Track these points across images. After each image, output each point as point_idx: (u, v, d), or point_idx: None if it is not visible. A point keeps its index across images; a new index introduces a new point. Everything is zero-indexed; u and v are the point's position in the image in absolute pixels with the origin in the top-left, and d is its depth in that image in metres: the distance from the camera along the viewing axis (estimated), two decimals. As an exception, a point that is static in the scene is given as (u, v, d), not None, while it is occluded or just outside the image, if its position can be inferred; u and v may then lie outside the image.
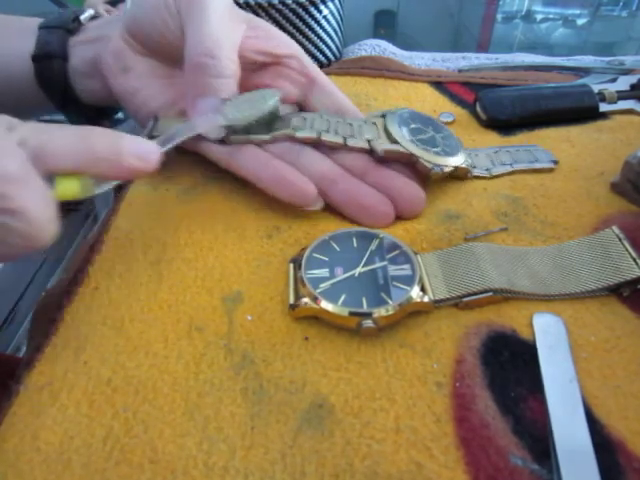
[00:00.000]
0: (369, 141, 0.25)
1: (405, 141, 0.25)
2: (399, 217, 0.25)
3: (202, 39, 0.24)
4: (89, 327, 0.20)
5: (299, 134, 0.25)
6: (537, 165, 0.28)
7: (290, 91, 0.29)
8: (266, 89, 0.26)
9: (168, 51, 0.26)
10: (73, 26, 0.29)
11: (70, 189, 0.19)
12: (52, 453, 0.16)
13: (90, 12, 0.30)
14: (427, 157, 0.25)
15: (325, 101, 0.28)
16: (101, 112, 0.32)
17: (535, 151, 0.29)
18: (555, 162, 0.29)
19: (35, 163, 0.18)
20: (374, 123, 0.26)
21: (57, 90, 0.29)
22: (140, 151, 0.20)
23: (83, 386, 0.18)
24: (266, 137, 0.25)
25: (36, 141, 0.18)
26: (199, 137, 0.25)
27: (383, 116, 0.27)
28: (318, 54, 0.43)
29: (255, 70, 0.28)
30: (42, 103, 0.30)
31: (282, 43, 0.28)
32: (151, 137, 0.26)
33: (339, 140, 0.25)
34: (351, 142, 0.25)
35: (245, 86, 0.27)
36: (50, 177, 0.18)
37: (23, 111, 0.33)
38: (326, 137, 0.25)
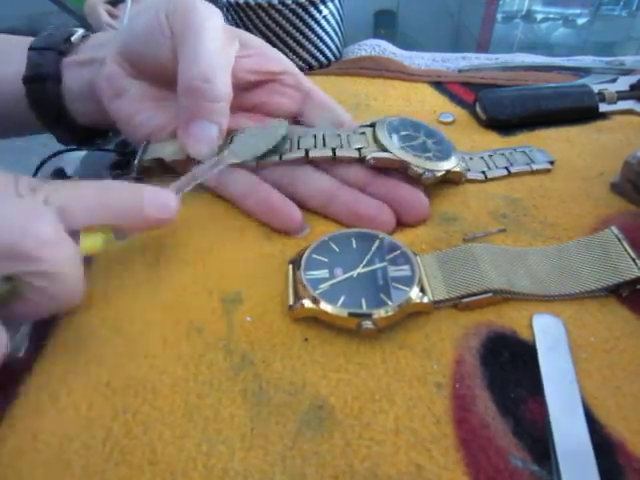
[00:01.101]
0: (359, 150, 0.25)
1: (395, 148, 0.25)
2: (403, 224, 0.25)
3: (196, 62, 0.24)
4: (88, 328, 0.20)
5: (285, 157, 0.25)
6: (534, 166, 0.28)
7: (287, 107, 0.29)
8: (274, 121, 0.27)
9: (160, 73, 0.26)
10: (65, 47, 0.28)
11: (94, 244, 0.19)
12: (52, 454, 0.16)
13: (80, 32, 0.29)
14: (417, 163, 0.25)
15: (321, 114, 0.29)
16: (93, 132, 0.32)
17: (530, 152, 0.29)
18: (552, 162, 0.28)
19: (60, 221, 0.18)
20: (363, 133, 0.26)
21: (50, 111, 0.29)
22: (159, 202, 0.20)
23: (82, 387, 0.18)
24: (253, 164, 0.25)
25: (59, 200, 0.18)
26: (190, 158, 0.25)
27: (372, 125, 0.27)
28: (318, 54, 0.43)
29: (249, 89, 0.28)
30: (32, 123, 0.30)
31: (274, 60, 0.28)
32: (141, 161, 0.27)
33: (328, 153, 0.25)
34: (340, 153, 0.25)
35: (240, 105, 0.27)
36: (73, 233, 0.19)
37: (11, 131, 0.33)
38: (314, 153, 0.25)
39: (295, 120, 0.30)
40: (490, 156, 0.29)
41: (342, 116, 0.29)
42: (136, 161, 0.27)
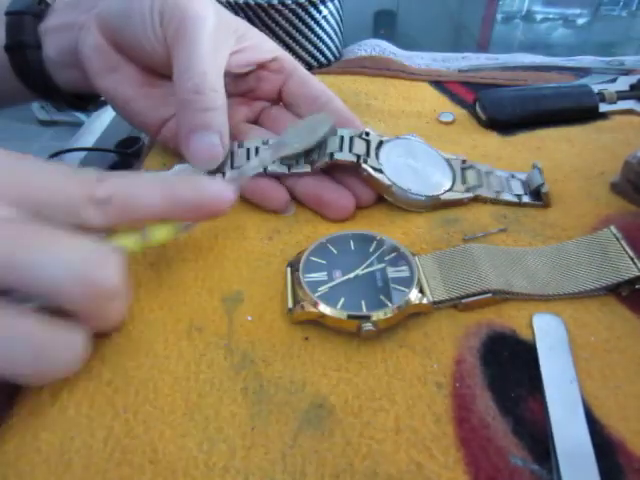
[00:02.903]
0: (358, 157, 0.25)
1: (387, 168, 0.25)
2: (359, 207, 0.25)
3: (188, 74, 0.23)
4: (89, 328, 0.20)
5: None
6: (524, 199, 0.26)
7: (272, 92, 0.29)
8: (319, 115, 0.26)
9: (148, 61, 0.26)
10: (40, 9, 0.28)
11: (165, 235, 0.20)
12: (53, 454, 0.16)
13: None
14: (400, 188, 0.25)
15: (299, 90, 0.29)
16: (83, 98, 0.31)
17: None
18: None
19: (123, 215, 0.18)
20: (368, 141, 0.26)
21: (36, 80, 0.28)
22: (219, 194, 0.20)
23: (83, 386, 0.18)
24: (307, 169, 0.25)
25: (124, 195, 0.18)
26: None
27: (381, 141, 0.26)
28: (318, 54, 0.43)
29: (241, 76, 0.29)
30: (23, 92, 0.29)
31: (267, 50, 0.29)
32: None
33: (325, 158, 0.25)
34: (339, 156, 0.24)
35: (229, 93, 0.27)
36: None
37: (4, 102, 0.32)
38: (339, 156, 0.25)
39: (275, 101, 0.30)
40: (511, 176, 0.27)
41: (323, 95, 0.28)
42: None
